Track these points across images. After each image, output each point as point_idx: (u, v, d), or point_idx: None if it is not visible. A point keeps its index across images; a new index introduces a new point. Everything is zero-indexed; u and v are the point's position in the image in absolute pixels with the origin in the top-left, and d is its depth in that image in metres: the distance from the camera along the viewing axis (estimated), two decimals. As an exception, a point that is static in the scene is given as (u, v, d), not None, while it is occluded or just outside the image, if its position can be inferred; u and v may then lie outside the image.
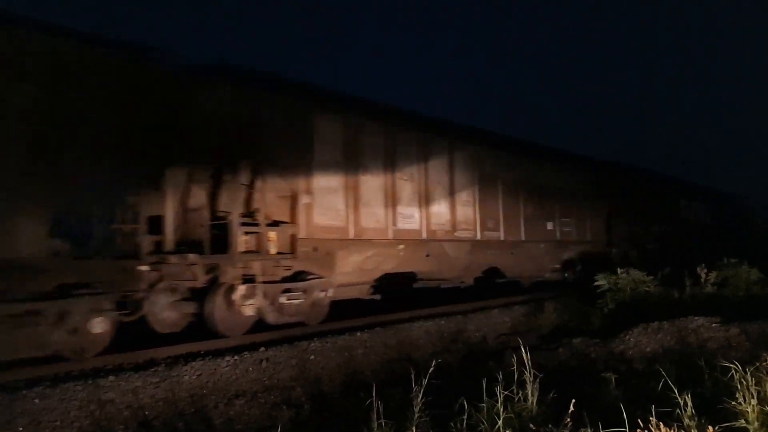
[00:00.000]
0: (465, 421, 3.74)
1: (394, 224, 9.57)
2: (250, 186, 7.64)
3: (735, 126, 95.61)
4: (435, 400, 3.94)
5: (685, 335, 7.11)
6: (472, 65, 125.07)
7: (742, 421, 3.52)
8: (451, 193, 10.86)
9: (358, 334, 7.40)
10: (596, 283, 10.26)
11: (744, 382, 3.78)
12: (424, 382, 3.93)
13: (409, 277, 10.41)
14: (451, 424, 3.80)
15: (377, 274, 9.47)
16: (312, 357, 6.59)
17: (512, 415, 3.82)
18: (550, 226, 13.48)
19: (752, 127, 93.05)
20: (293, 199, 8.18)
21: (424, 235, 10.08)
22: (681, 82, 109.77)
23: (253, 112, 7.89)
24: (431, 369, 4.10)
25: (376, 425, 3.72)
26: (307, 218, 8.32)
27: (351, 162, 9.08)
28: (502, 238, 11.89)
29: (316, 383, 6.13)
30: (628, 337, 7.32)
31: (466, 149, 11.40)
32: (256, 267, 7.58)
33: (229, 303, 7.35)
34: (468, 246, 11.11)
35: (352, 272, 8.98)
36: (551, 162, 14.06)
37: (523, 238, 12.52)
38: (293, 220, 8.09)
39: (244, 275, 7.43)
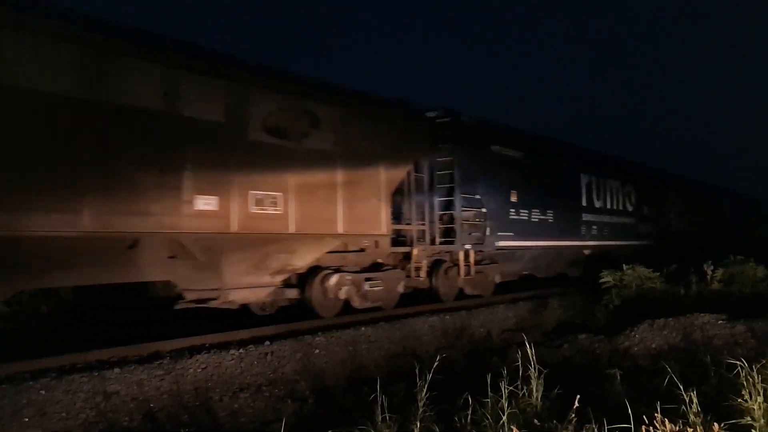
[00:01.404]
0: (469, 416, 3.74)
1: None
2: None
3: (736, 126, 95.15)
4: (439, 395, 3.95)
5: (691, 332, 7.09)
6: (472, 65, 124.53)
7: (748, 418, 3.52)
8: None
9: (363, 328, 7.39)
10: (602, 280, 10.24)
11: (750, 380, 3.78)
12: (429, 377, 3.93)
13: None
14: (456, 419, 3.80)
15: None
16: (316, 351, 6.59)
17: (517, 410, 3.82)
18: (208, 203, 6.33)
19: (753, 127, 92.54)
20: None
21: None
22: (680, 82, 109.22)
23: None
24: (435, 364, 4.10)
25: (380, 419, 3.73)
26: None
27: None
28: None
29: (320, 377, 6.15)
30: (633, 333, 7.32)
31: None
32: None
33: None
34: None
35: None
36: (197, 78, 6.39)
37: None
38: None
39: None
